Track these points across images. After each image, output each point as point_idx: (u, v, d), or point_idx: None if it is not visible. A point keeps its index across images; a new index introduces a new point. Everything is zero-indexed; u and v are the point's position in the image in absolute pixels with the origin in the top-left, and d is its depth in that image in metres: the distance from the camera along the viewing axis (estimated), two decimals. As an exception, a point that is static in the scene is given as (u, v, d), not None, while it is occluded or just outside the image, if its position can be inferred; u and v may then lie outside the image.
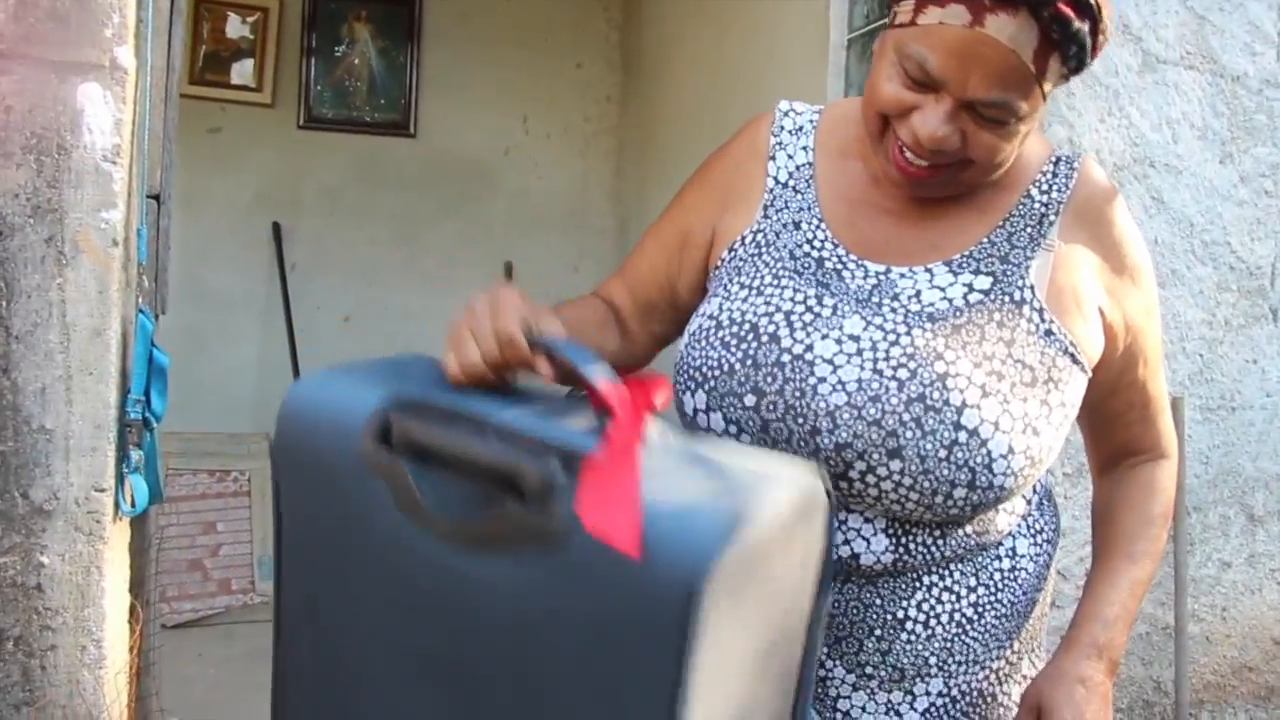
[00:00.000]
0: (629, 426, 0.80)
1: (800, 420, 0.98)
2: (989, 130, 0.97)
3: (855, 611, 1.03)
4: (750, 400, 1.00)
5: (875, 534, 1.01)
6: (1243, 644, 2.51)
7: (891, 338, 0.99)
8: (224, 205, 4.32)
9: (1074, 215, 1.07)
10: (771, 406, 0.99)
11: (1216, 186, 2.37)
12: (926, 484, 0.96)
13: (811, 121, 1.16)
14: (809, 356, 1.00)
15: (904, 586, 1.03)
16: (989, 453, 0.96)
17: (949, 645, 1.05)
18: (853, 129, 1.11)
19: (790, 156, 1.14)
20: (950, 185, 1.04)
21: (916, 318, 1.01)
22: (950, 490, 0.97)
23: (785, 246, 1.09)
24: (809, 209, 1.11)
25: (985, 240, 1.06)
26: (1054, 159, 1.10)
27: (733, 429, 1.01)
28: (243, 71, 4.32)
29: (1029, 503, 1.11)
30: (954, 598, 1.05)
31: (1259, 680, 2.52)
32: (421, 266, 4.59)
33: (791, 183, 1.13)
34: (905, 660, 1.04)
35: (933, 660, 1.05)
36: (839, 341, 1.00)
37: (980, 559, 1.06)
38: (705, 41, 4.03)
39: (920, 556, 1.02)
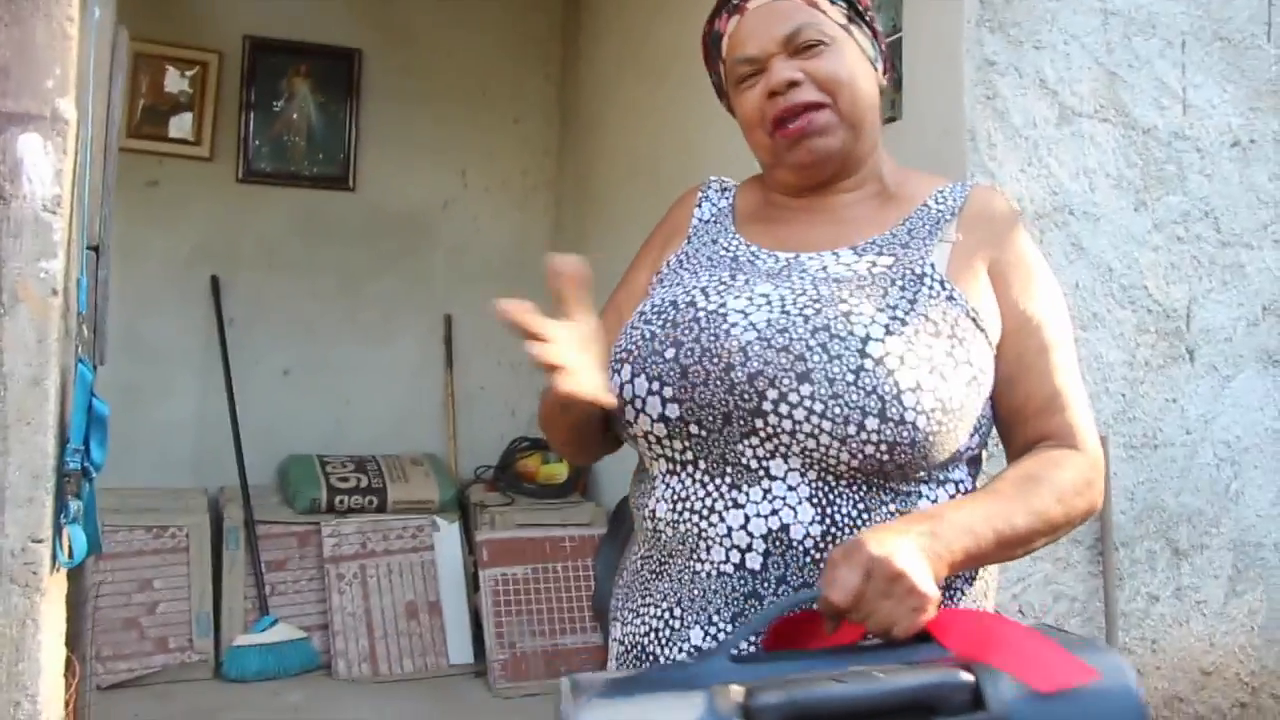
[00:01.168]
0: (969, 617, 0.95)
1: (715, 360, 1.06)
2: (816, 58, 1.16)
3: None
4: (670, 353, 1.09)
5: (800, 502, 1.04)
6: (1172, 675, 2.57)
7: (799, 290, 1.10)
8: (162, 258, 4.29)
9: (969, 218, 1.18)
10: (689, 353, 1.08)
11: (1133, 233, 2.47)
12: (837, 410, 1.01)
13: (735, 185, 1.33)
14: (722, 310, 1.10)
15: None
16: (897, 383, 1.02)
17: None
18: (764, 183, 1.29)
19: (714, 204, 1.30)
20: (841, 126, 1.17)
21: (824, 281, 1.11)
22: (862, 419, 1.01)
23: (704, 254, 1.22)
24: (727, 229, 1.25)
25: (888, 233, 1.17)
26: (949, 185, 1.23)
27: (655, 385, 1.08)
28: (181, 125, 4.31)
29: None
30: None
31: (1189, 710, 2.58)
32: (361, 320, 4.59)
33: (713, 219, 1.28)
34: None
35: None
36: (750, 298, 1.10)
37: None
38: (639, 96, 4.12)
39: (848, 531, 1.04)
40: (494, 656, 3.70)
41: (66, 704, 1.64)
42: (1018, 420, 1.13)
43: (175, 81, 4.30)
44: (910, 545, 0.94)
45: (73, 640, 1.77)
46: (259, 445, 4.18)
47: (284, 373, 4.47)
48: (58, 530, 1.59)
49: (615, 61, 4.36)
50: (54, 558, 1.58)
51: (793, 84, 1.15)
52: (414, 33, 4.68)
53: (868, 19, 1.23)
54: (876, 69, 1.22)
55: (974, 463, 1.16)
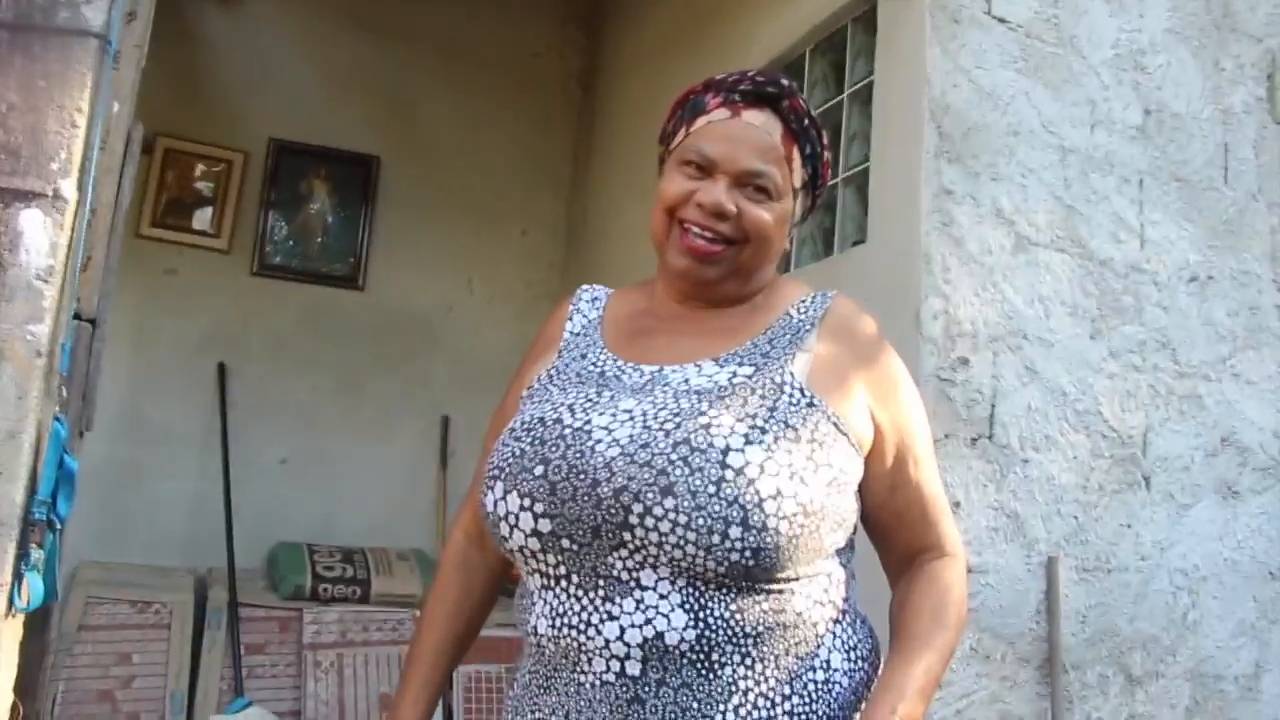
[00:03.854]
0: None
1: (582, 476, 1.11)
2: (757, 204, 1.22)
3: (673, 716, 1.09)
4: (539, 470, 1.13)
5: (673, 609, 1.08)
6: (1126, 806, 2.55)
7: (661, 404, 1.15)
8: (173, 343, 4.44)
9: (829, 330, 1.24)
10: (557, 469, 1.12)
11: (1088, 359, 2.55)
12: (701, 520, 1.05)
13: (606, 293, 1.40)
14: (588, 428, 1.14)
15: (719, 689, 1.09)
16: (758, 491, 1.06)
17: None
18: (638, 292, 1.35)
19: (585, 316, 1.36)
20: (731, 267, 1.23)
21: (685, 394, 1.16)
22: (725, 529, 1.05)
23: (573, 370, 1.27)
24: (595, 344, 1.30)
25: (749, 344, 1.23)
26: (811, 294, 1.29)
27: (526, 501, 1.13)
28: (203, 218, 4.52)
29: (842, 615, 1.19)
30: (769, 704, 1.11)
31: (1141, 843, 2.56)
32: (360, 416, 4.70)
33: (583, 332, 1.33)
34: None
35: None
36: (614, 415, 1.15)
37: (795, 668, 1.13)
38: (641, 219, 4.27)
39: (722, 632, 1.09)
40: (462, 755, 3.69)
41: (8, 749, 1.69)
42: (898, 524, 1.25)
43: (201, 177, 4.52)
44: None
45: (26, 690, 1.83)
46: (251, 530, 4.24)
47: (281, 461, 4.56)
48: (17, 577, 1.67)
49: (621, 185, 4.54)
50: (10, 603, 1.66)
51: (722, 215, 1.20)
52: (431, 144, 4.90)
53: (818, 191, 1.30)
54: (790, 232, 1.29)
55: (842, 551, 1.21)
